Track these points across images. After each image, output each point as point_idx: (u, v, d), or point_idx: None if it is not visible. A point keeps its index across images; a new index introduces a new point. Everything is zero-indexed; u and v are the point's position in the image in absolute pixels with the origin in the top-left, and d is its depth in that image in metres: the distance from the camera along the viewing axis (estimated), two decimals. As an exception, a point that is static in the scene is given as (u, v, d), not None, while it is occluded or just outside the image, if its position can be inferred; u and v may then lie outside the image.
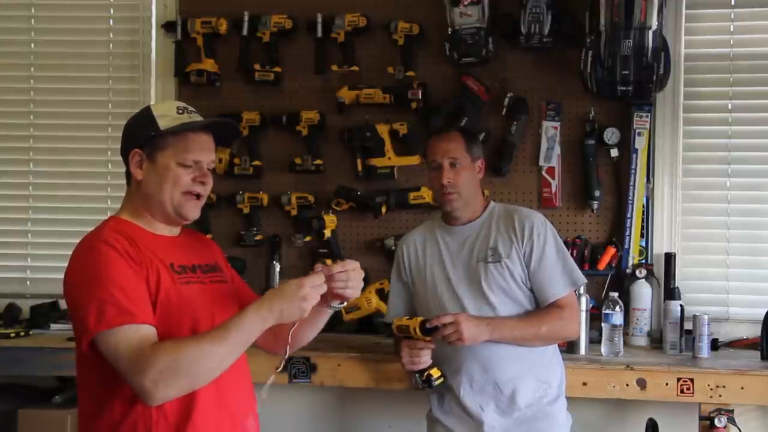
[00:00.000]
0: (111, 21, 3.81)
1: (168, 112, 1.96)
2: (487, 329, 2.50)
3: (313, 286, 1.83)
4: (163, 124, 1.94)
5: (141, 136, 1.96)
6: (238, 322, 1.80)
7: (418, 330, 2.50)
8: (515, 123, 3.40)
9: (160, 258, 1.90)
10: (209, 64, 3.60)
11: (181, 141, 1.93)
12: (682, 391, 2.76)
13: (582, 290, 2.99)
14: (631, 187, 3.33)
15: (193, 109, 2.00)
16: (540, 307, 2.61)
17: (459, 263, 2.65)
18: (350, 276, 1.91)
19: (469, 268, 2.63)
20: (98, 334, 1.78)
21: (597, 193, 3.36)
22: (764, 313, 2.98)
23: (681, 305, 3.08)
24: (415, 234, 2.80)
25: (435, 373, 2.56)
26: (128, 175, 1.99)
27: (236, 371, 1.95)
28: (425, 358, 2.55)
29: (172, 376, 1.74)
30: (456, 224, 2.70)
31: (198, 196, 1.97)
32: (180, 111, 1.97)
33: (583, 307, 2.99)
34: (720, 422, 2.75)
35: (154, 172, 1.94)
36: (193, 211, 1.97)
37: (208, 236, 2.35)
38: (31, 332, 3.31)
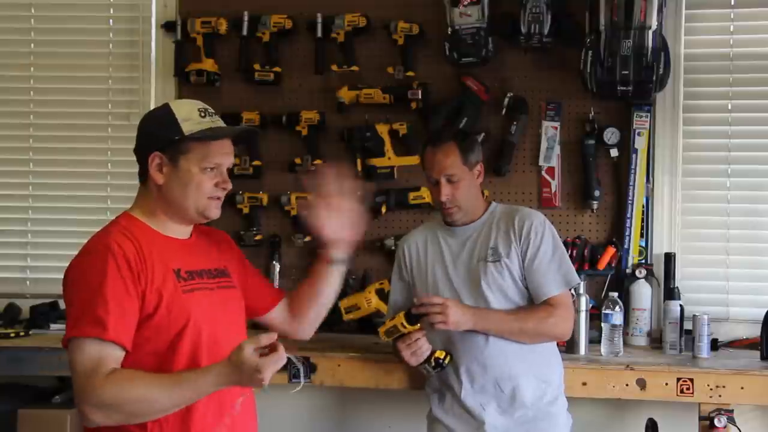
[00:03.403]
0: (111, 21, 3.81)
1: (191, 115, 1.95)
2: (472, 318, 2.53)
3: (272, 370, 1.77)
4: (186, 128, 1.92)
5: (163, 139, 1.94)
6: (194, 381, 1.80)
7: (405, 323, 2.51)
8: (515, 123, 3.39)
9: (165, 263, 1.91)
10: (209, 64, 3.60)
11: (204, 146, 1.93)
12: (681, 391, 2.76)
13: (582, 290, 2.99)
14: (631, 187, 3.32)
15: (213, 111, 2.00)
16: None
17: (460, 263, 2.65)
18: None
19: (470, 269, 2.62)
20: (70, 338, 1.81)
21: (597, 193, 3.36)
22: (764, 313, 2.98)
23: (681, 305, 3.08)
24: (417, 234, 2.79)
25: (440, 354, 2.57)
26: (142, 173, 1.98)
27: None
28: (425, 346, 2.55)
29: (113, 411, 1.77)
30: (457, 225, 2.69)
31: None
32: (202, 114, 1.96)
33: (583, 307, 2.99)
34: (720, 422, 2.74)
35: (176, 177, 1.93)
36: (215, 211, 2.00)
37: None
38: (30, 332, 3.32)
